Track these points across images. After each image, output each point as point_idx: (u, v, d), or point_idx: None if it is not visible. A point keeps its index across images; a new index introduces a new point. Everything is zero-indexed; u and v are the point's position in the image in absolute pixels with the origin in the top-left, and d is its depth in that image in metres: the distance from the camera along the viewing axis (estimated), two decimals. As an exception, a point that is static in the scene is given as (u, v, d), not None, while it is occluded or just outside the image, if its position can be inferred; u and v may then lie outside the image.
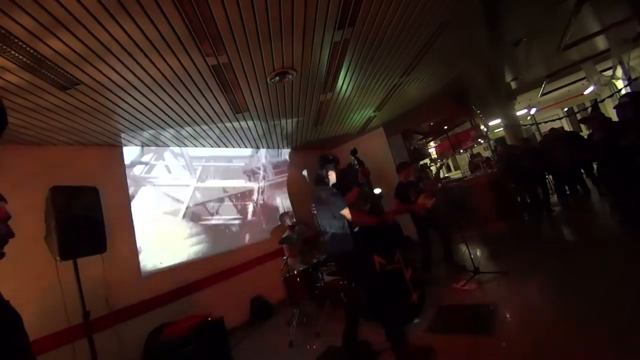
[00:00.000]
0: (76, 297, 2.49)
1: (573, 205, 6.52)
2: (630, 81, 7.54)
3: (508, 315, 2.87)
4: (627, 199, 4.14)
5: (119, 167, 4.09)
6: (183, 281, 4.22)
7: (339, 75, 3.82)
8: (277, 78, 3.37)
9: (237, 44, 2.66)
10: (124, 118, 3.40)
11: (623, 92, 8.39)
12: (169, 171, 4.65)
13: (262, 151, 6.26)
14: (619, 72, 8.16)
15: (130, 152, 4.23)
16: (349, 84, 4.15)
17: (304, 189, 6.72)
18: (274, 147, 6.38)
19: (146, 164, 4.40)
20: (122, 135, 3.86)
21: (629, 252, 3.35)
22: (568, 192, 7.11)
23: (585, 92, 10.28)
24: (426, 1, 2.86)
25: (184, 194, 4.71)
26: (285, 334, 3.72)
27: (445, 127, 10.04)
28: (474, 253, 4.24)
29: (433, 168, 10.19)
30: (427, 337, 2.82)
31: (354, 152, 3.28)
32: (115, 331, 3.42)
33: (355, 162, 3.19)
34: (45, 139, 3.35)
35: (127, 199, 4.04)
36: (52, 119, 3.00)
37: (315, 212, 2.90)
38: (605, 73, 8.93)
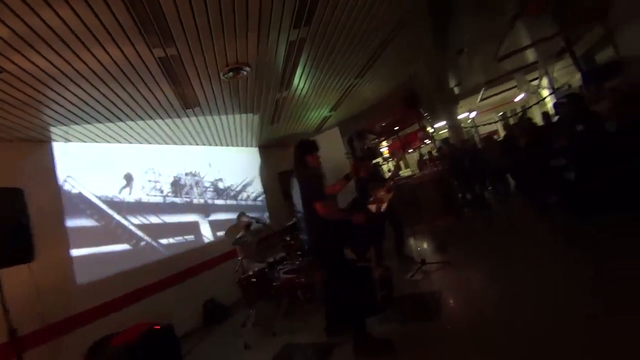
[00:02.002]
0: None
1: (502, 201, 7.28)
2: (554, 90, 8.59)
3: (451, 301, 3.13)
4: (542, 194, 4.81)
5: (49, 165, 3.67)
6: (129, 288, 3.93)
7: (295, 74, 3.83)
8: (230, 74, 3.28)
9: (188, 37, 2.54)
10: (54, 111, 3.07)
11: (548, 100, 9.56)
12: (112, 169, 4.28)
13: (217, 149, 6.04)
14: (545, 82, 9.26)
15: (63, 149, 3.82)
16: (305, 82, 4.17)
17: (267, 187, 6.65)
18: (228, 145, 6.19)
19: (84, 160, 4.00)
20: (53, 129, 3.48)
21: (547, 241, 3.85)
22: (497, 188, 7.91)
23: (516, 99, 11.46)
24: (379, 6, 2.98)
25: (127, 193, 4.37)
26: (241, 335, 3.65)
27: (396, 128, 10.54)
28: (421, 246, 4.53)
29: (385, 167, 10.64)
30: (380, 327, 2.96)
31: (350, 140, 3.06)
32: (50, 347, 3.09)
33: (347, 153, 3.03)
34: (-42, 133, 2.91)
35: (58, 201, 3.64)
36: (-33, 111, 2.61)
37: (292, 194, 2.79)
38: (533, 82, 10.08)
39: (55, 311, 3.25)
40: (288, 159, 3.03)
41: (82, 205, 3.86)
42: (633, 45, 5.02)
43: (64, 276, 3.47)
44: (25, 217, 2.43)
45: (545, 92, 9.74)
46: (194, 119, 4.33)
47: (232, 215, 5.62)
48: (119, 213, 4.19)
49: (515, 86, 10.24)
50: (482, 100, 11.12)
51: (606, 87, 5.19)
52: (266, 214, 6.47)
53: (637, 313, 2.03)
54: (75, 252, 3.63)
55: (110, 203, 4.14)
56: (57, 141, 3.76)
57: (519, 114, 11.84)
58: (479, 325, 2.50)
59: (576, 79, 7.29)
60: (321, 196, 2.59)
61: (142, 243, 4.35)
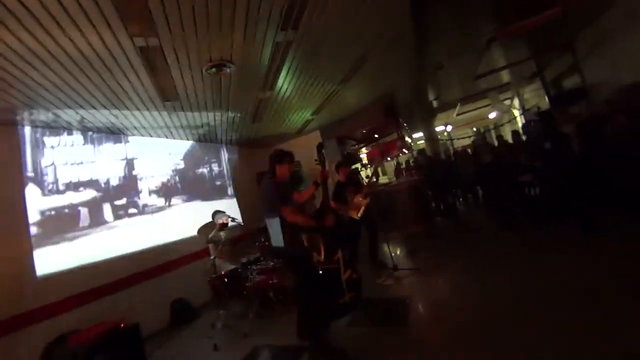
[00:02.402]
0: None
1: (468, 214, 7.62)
2: (524, 110, 9.11)
3: (420, 307, 3.23)
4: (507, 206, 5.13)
5: (14, 151, 3.45)
6: (92, 284, 3.73)
7: (280, 75, 3.83)
8: (213, 69, 3.24)
9: (171, 28, 2.49)
10: (22, 93, 2.90)
11: (519, 119, 10.12)
12: (80, 159, 4.08)
13: (194, 145, 5.90)
14: (516, 102, 9.81)
15: (29, 134, 3.61)
16: (289, 84, 4.19)
17: (238, 187, 6.54)
18: (207, 141, 6.08)
19: (52, 147, 3.80)
20: (19, 112, 3.28)
21: (510, 250, 4.08)
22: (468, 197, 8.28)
23: (490, 116, 12.03)
24: (365, 17, 3.06)
25: (95, 186, 4.18)
26: (210, 336, 3.57)
27: (376, 136, 10.74)
28: (394, 252, 4.64)
29: (363, 173, 10.80)
30: (348, 330, 3.00)
31: (319, 146, 3.17)
32: (7, 341, 2.91)
33: (316, 160, 3.11)
34: None
35: (20, 188, 3.43)
36: None
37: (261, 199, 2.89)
38: (506, 102, 10.65)
39: (12, 305, 3.05)
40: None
41: (46, 194, 3.65)
42: (597, 74, 5.47)
43: (23, 269, 3.26)
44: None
45: (516, 112, 10.32)
46: (172, 112, 4.22)
47: (203, 212, 5.51)
48: (85, 205, 4.00)
49: (490, 104, 10.78)
50: (458, 114, 11.59)
51: (570, 112, 5.59)
52: (238, 214, 6.33)
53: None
54: (36, 243, 3.42)
55: (76, 194, 3.94)
56: (23, 125, 3.54)
57: (482, 133, 12.52)
58: (447, 331, 2.60)
59: (545, 102, 7.77)
60: (282, 202, 2.73)
61: (109, 236, 4.16)
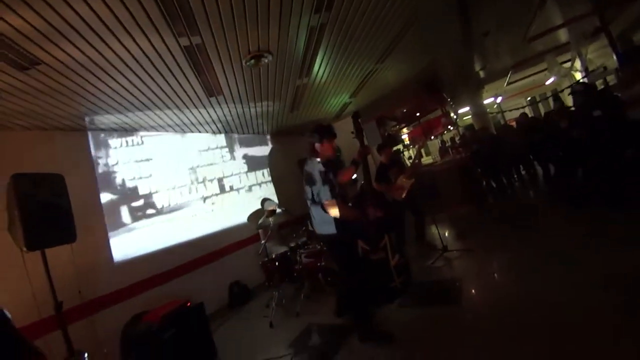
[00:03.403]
0: (46, 288, 2.41)
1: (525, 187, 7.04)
2: (587, 73, 8.09)
3: (472, 289, 3.11)
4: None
5: (85, 153, 3.90)
6: (159, 268, 4.17)
7: (316, 60, 3.81)
8: (252, 61, 3.31)
9: (211, 25, 2.58)
10: (88, 101, 3.23)
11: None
12: (142, 156, 4.47)
13: (239, 136, 6.15)
14: (578, 64, 8.72)
15: (97, 136, 4.03)
16: (325, 69, 4.15)
17: (287, 174, 6.73)
18: (249, 133, 6.29)
19: (116, 147, 4.21)
20: (87, 119, 3.66)
21: (577, 232, 3.72)
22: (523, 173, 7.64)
23: (547, 83, 10.88)
24: (401, -11, 2.90)
25: (158, 179, 4.57)
26: (265, 315, 3.81)
27: (418, 114, 10.28)
28: (442, 233, 4.50)
29: (407, 153, 10.48)
30: (398, 312, 3.01)
31: (355, 115, 2.88)
32: (90, 322, 3.35)
33: (353, 132, 2.87)
34: (2, 123, 3.12)
35: (95, 185, 3.88)
36: (10, 102, 2.79)
37: (305, 185, 2.77)
38: (565, 65, 9.51)
39: (94, 288, 3.51)
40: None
41: (117, 190, 4.08)
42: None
43: (101, 256, 3.73)
44: (66, 201, 2.60)
45: (578, 75, 9.18)
46: (217, 107, 4.42)
47: (252, 201, 5.78)
48: (149, 197, 4.40)
49: (546, 69, 9.70)
50: (509, 84, 10.64)
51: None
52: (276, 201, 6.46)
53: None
54: (111, 234, 3.87)
55: (141, 188, 4.35)
56: (92, 129, 3.96)
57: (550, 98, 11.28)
58: (499, 312, 2.49)
59: (613, 61, 6.82)
60: (330, 187, 2.58)
61: (172, 225, 4.56)
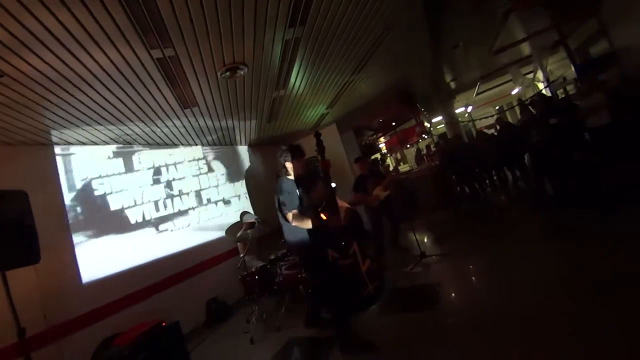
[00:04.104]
0: (7, 314, 2.24)
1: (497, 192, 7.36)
2: (549, 83, 8.65)
3: (451, 293, 3.19)
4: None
5: (51, 168, 3.71)
6: (132, 287, 3.98)
7: (292, 73, 3.86)
8: (228, 73, 3.30)
9: (185, 37, 2.56)
10: (55, 114, 3.09)
11: (544, 92, 9.62)
12: (112, 171, 4.31)
13: (216, 148, 6.06)
14: (540, 75, 9.32)
15: (64, 151, 3.86)
16: (301, 81, 4.21)
17: (263, 186, 6.66)
18: (227, 144, 6.23)
19: (85, 162, 4.03)
20: (53, 132, 3.50)
21: (545, 232, 3.91)
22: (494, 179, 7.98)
23: (513, 92, 11.52)
24: (373, 4, 3.02)
25: (130, 194, 4.40)
26: (246, 331, 3.71)
27: (394, 124, 10.58)
28: (420, 239, 4.60)
29: (389, 160, 10.72)
30: (377, 320, 3.02)
31: (317, 135, 2.97)
32: (57, 348, 3.14)
33: (316, 149, 2.95)
34: (-41, 138, 2.94)
35: (61, 203, 3.68)
36: (-32, 116, 2.64)
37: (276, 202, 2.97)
38: (528, 76, 10.13)
39: (60, 312, 3.30)
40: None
41: (85, 206, 3.90)
42: (627, 38, 5.08)
43: (68, 276, 3.51)
44: (30, 219, 2.45)
45: (540, 85, 9.80)
46: (192, 119, 4.35)
47: (230, 213, 5.68)
48: (120, 213, 4.23)
49: (511, 80, 10.30)
50: (478, 94, 11.18)
51: (600, 80, 5.25)
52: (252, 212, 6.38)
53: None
54: (79, 253, 3.67)
55: (111, 203, 4.18)
56: (58, 144, 3.79)
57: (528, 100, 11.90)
58: (479, 317, 2.55)
59: (571, 72, 7.34)
60: (291, 207, 2.81)
61: (145, 241, 4.39)
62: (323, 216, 2.78)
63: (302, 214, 2.82)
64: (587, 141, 4.04)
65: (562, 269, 2.85)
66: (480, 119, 11.65)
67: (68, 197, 3.77)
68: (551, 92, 8.12)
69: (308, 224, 2.78)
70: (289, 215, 2.81)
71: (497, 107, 14.40)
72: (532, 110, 5.32)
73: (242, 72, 3.36)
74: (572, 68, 7.16)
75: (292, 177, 2.99)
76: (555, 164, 4.33)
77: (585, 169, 3.99)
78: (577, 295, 2.38)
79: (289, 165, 2.96)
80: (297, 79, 4.10)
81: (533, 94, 10.34)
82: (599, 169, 3.97)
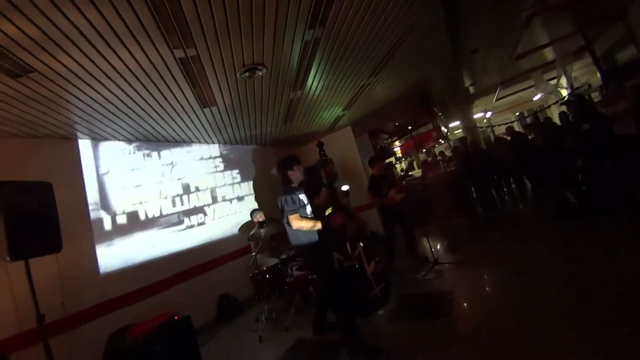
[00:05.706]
0: (28, 300, 2.33)
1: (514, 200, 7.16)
2: (572, 90, 8.38)
3: (463, 302, 3.12)
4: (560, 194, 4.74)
5: (75, 161, 3.84)
6: (146, 280, 4.07)
7: (309, 74, 3.87)
8: (247, 74, 3.35)
9: (207, 38, 2.61)
10: (80, 109, 3.20)
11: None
12: (132, 166, 4.43)
13: (233, 146, 6.15)
14: (563, 81, 9.05)
15: (87, 145, 3.99)
16: (318, 82, 4.22)
17: (272, 186, 6.70)
18: (243, 143, 6.30)
19: (107, 156, 4.16)
20: (78, 127, 3.63)
21: (564, 243, 3.78)
22: (512, 187, 7.78)
23: (534, 99, 11.22)
24: (393, 7, 3.00)
25: (149, 189, 4.51)
26: (255, 330, 3.73)
27: (410, 128, 10.47)
28: (433, 245, 4.52)
29: (398, 166, 10.59)
30: (387, 326, 2.99)
31: (320, 144, 3.23)
32: (73, 335, 3.24)
33: (323, 157, 3.20)
34: (-9, 130, 3.08)
35: (83, 195, 3.81)
36: (0, 109, 2.76)
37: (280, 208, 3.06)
38: (551, 82, 9.84)
39: (78, 301, 3.40)
40: (301, 156, 3.13)
41: (106, 199, 4.02)
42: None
43: (87, 267, 3.63)
44: (53, 210, 2.55)
45: (564, 92, 9.50)
46: (210, 118, 4.43)
47: (244, 211, 5.73)
48: (139, 208, 4.34)
49: (533, 85, 10.03)
50: (497, 99, 10.93)
51: (627, 87, 5.06)
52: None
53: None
54: (98, 244, 3.79)
55: (132, 198, 4.29)
56: (82, 138, 3.93)
57: (535, 113, 11.59)
58: (491, 328, 2.49)
59: (596, 78, 7.09)
60: (291, 211, 2.89)
61: (161, 236, 4.48)
62: (330, 221, 2.83)
63: (301, 218, 2.90)
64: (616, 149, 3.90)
65: (582, 281, 2.74)
66: (499, 125, 11.38)
67: (89, 190, 3.89)
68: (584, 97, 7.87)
69: (307, 228, 2.86)
70: (290, 219, 2.88)
71: (517, 113, 14.05)
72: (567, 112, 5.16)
73: (260, 73, 3.40)
74: (598, 74, 6.92)
75: (294, 184, 3.11)
76: (583, 171, 4.22)
77: (614, 177, 3.85)
78: (598, 307, 2.28)
79: (290, 173, 3.09)
80: (314, 81, 4.12)
81: (556, 100, 10.05)
82: (624, 178, 3.83)
